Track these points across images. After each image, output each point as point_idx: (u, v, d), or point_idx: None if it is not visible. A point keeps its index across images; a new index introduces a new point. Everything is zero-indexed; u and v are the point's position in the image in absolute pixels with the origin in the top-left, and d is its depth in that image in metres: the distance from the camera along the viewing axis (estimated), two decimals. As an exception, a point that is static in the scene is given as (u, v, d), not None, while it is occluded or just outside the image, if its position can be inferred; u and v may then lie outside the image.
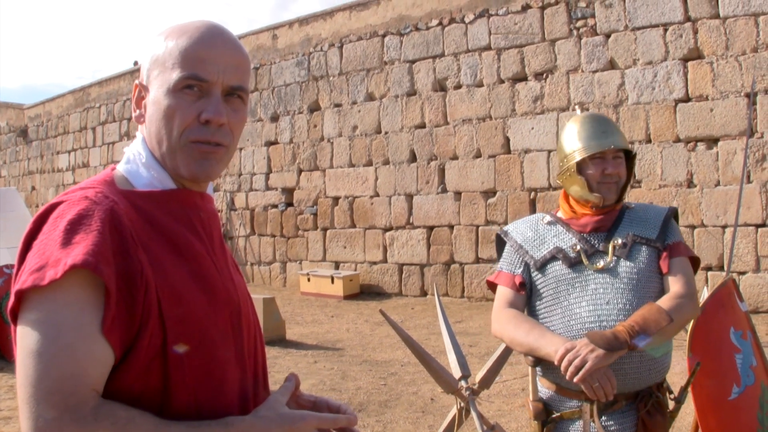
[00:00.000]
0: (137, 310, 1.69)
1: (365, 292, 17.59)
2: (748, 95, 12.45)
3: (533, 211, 15.06)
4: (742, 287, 4.21)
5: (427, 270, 16.83)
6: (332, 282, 17.38)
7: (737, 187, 11.97)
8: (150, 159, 1.95)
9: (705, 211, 12.88)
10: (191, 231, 1.94)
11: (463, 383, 4.72)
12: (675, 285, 3.53)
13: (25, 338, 1.62)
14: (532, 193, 15.18)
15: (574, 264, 3.64)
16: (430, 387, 8.66)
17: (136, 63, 26.10)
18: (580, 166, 3.77)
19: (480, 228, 15.98)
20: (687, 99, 13.29)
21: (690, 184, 13.20)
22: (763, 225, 12.52)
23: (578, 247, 3.68)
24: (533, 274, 3.76)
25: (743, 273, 12.45)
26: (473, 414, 4.60)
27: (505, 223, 15.41)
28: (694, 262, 3.73)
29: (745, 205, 11.83)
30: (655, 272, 3.60)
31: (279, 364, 10.48)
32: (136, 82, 1.97)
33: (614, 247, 3.64)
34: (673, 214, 3.81)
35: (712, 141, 13.02)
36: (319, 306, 16.39)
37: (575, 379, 3.24)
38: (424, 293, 16.82)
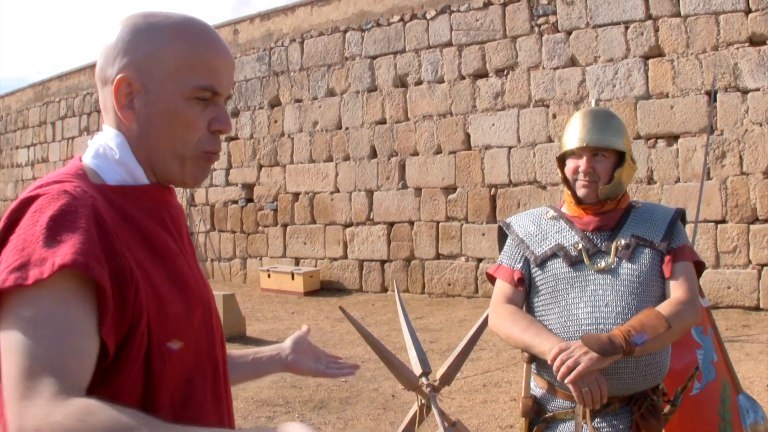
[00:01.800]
0: (128, 309, 1.64)
1: (326, 289, 17.54)
2: (708, 93, 12.54)
3: (493, 207, 15.11)
4: (702, 283, 4.22)
5: (387, 266, 16.81)
6: (292, 278, 17.31)
7: (697, 183, 12.04)
8: (126, 155, 1.86)
9: (665, 208, 12.91)
10: (163, 227, 1.89)
11: (423, 380, 4.69)
12: (676, 290, 3.44)
13: (5, 337, 1.54)
14: (493, 189, 15.19)
15: (575, 263, 3.55)
16: (390, 384, 8.62)
17: None
18: (564, 160, 3.70)
19: (440, 224, 15.97)
20: (648, 96, 13.36)
21: (650, 180, 13.28)
22: (722, 221, 12.62)
23: (580, 246, 3.57)
24: (533, 270, 3.66)
25: (702, 269, 12.50)
26: (434, 410, 4.57)
27: (465, 219, 15.47)
28: (699, 266, 3.64)
29: (704, 202, 11.90)
30: (657, 276, 3.51)
31: (238, 361, 10.40)
32: (122, 75, 1.83)
33: (617, 248, 3.54)
34: (680, 215, 3.70)
35: (672, 138, 13.11)
36: (280, 302, 16.34)
37: (566, 381, 3.17)
38: (384, 289, 16.80)
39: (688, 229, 11.56)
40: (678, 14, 13.01)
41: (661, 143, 13.19)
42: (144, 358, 1.70)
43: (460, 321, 12.95)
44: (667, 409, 3.55)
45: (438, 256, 16.02)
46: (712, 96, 11.76)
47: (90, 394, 1.55)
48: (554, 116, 14.37)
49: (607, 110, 3.84)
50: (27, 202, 1.67)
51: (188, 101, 1.84)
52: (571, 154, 3.63)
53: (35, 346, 1.51)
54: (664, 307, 3.34)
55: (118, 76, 1.83)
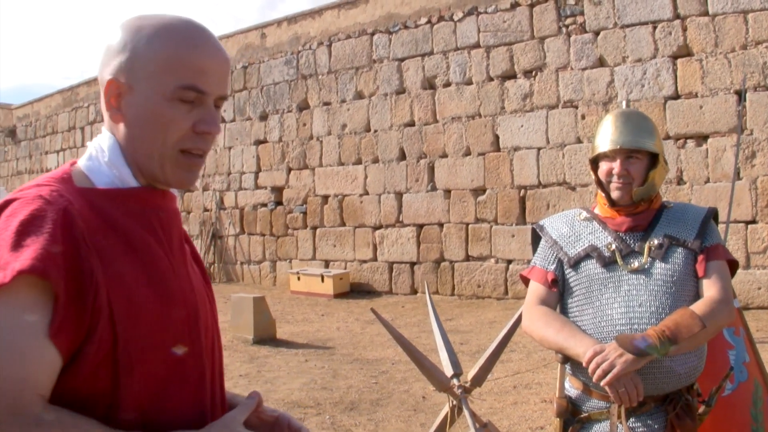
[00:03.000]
0: (86, 313, 1.65)
1: (355, 291, 17.57)
2: (737, 92, 12.46)
3: (523, 208, 15.09)
4: (732, 284, 4.18)
5: (417, 268, 16.81)
6: (322, 281, 17.34)
7: (727, 184, 11.99)
8: (115, 157, 1.88)
9: (695, 208, 12.84)
10: (149, 231, 1.88)
11: (454, 381, 4.71)
12: (710, 289, 3.44)
13: None
14: (522, 191, 15.16)
15: (609, 263, 3.56)
16: (421, 385, 8.64)
17: None
18: (597, 162, 3.72)
19: (470, 226, 15.96)
20: (676, 96, 13.30)
21: (680, 181, 13.22)
22: (753, 221, 12.55)
23: (613, 247, 3.59)
24: (566, 272, 3.68)
25: (733, 270, 12.42)
26: (465, 412, 4.58)
27: (495, 221, 15.44)
28: (732, 265, 3.63)
29: (735, 202, 11.83)
30: (690, 275, 3.51)
31: (270, 364, 10.45)
32: (110, 77, 1.86)
33: (650, 248, 3.55)
34: (712, 215, 3.71)
35: (701, 138, 13.04)
36: (310, 305, 16.37)
37: (602, 383, 3.20)
38: (414, 291, 16.81)
39: (719, 229, 11.52)
40: (706, 13, 12.95)
41: (691, 143, 13.13)
42: (111, 361, 1.70)
43: (490, 323, 12.95)
44: (701, 409, 3.54)
45: (468, 258, 16.00)
46: (741, 95, 11.69)
47: (51, 395, 1.63)
48: (583, 117, 14.33)
49: (639, 112, 3.85)
50: (4, 206, 1.72)
51: (171, 102, 1.84)
52: (604, 156, 3.65)
53: (1, 356, 1.55)
54: (698, 307, 3.34)
55: (108, 78, 1.86)
